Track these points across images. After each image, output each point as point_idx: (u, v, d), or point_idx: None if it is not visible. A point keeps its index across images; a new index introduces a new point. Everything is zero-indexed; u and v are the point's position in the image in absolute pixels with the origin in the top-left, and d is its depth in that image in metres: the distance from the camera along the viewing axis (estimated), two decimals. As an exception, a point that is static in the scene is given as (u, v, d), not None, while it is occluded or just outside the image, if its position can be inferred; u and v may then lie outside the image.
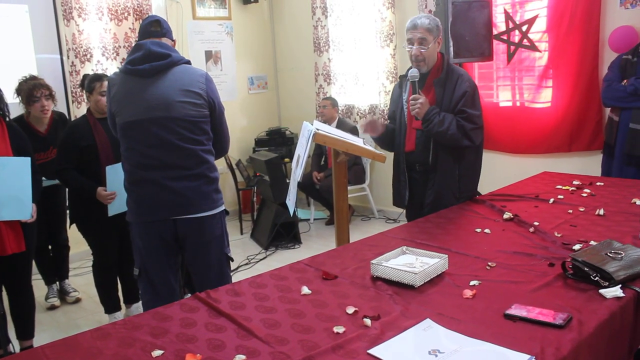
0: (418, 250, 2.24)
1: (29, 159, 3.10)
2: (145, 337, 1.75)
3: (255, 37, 7.04)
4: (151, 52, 2.62)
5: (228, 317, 1.83)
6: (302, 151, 3.04)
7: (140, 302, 3.20)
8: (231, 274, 3.00)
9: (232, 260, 2.95)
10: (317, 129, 2.98)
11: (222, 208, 2.83)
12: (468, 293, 1.90)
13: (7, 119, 3.21)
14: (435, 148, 3.04)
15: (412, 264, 2.11)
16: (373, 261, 2.11)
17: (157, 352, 1.64)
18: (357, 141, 3.22)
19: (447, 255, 2.14)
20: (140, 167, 2.66)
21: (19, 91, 3.89)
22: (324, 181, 5.77)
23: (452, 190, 3.07)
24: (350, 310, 1.83)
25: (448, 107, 2.98)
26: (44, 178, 3.56)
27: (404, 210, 3.40)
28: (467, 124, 2.94)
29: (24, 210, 3.11)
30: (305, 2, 6.56)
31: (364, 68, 6.13)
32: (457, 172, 3.06)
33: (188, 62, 2.74)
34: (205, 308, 1.92)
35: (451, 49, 4.23)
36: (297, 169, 3.12)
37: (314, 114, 6.48)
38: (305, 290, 2.01)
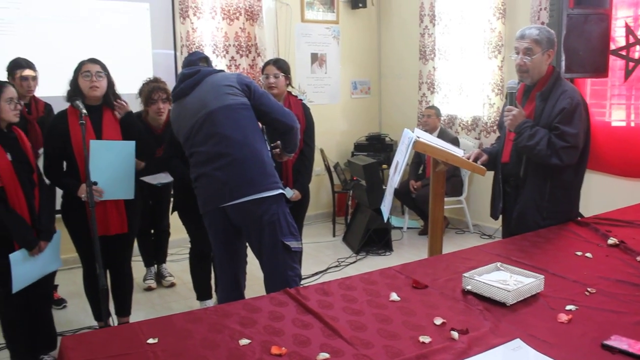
0: (513, 267, 2.17)
1: (133, 142, 3.30)
2: (234, 325, 1.81)
3: (361, 42, 7.07)
4: (183, 74, 2.99)
5: (315, 314, 1.86)
6: (401, 158, 3.02)
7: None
8: (298, 265, 3.00)
9: (294, 250, 2.91)
10: (418, 137, 2.96)
11: (272, 193, 2.83)
12: (563, 317, 1.83)
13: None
14: (527, 162, 2.94)
15: (505, 281, 2.05)
16: (465, 274, 2.07)
17: (244, 341, 1.70)
18: (457, 152, 3.17)
19: (543, 276, 2.06)
20: (196, 164, 2.91)
21: (140, 92, 4.12)
22: (420, 190, 5.70)
23: (539, 209, 2.93)
24: (438, 321, 1.80)
25: (547, 122, 2.85)
26: (162, 181, 3.77)
27: (500, 227, 3.30)
28: (558, 141, 2.79)
29: (128, 190, 3.34)
30: (414, 10, 6.52)
31: (469, 78, 6.01)
32: (546, 190, 2.92)
33: (221, 71, 3.01)
34: (293, 304, 1.96)
35: (563, 62, 4.07)
36: (395, 176, 3.11)
37: (415, 122, 6.43)
38: (394, 296, 2.01)
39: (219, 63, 5.78)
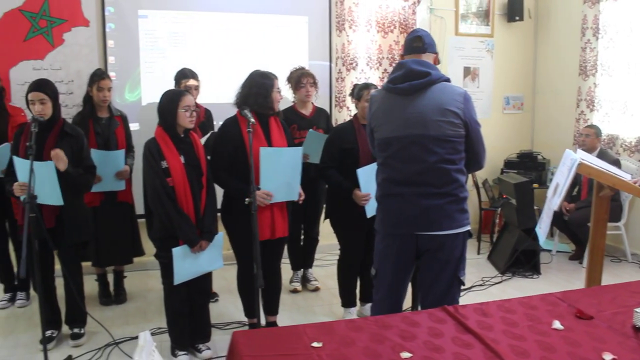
0: (692, 306, 2.02)
1: (300, 148, 3.52)
2: (395, 337, 1.86)
3: (516, 55, 6.86)
4: (411, 70, 2.67)
5: (475, 335, 1.86)
6: (563, 180, 2.92)
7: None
8: (459, 297, 2.87)
9: (464, 285, 2.86)
10: (582, 159, 2.85)
11: (466, 229, 2.76)
12: None
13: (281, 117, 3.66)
14: None
15: (684, 320, 1.91)
16: (637, 309, 1.96)
17: (405, 354, 1.74)
18: (624, 176, 2.99)
19: None
20: (391, 181, 2.75)
21: (289, 79, 4.45)
22: (573, 213, 5.42)
23: None
24: (608, 357, 1.73)
25: None
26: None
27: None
28: None
29: (293, 193, 3.54)
30: (575, 22, 6.21)
31: (635, 96, 5.61)
32: None
33: (447, 80, 2.74)
34: (452, 322, 1.97)
35: None
36: (554, 198, 3.00)
37: (570, 141, 6.12)
38: (557, 324, 1.95)
39: (372, 75, 5.89)
